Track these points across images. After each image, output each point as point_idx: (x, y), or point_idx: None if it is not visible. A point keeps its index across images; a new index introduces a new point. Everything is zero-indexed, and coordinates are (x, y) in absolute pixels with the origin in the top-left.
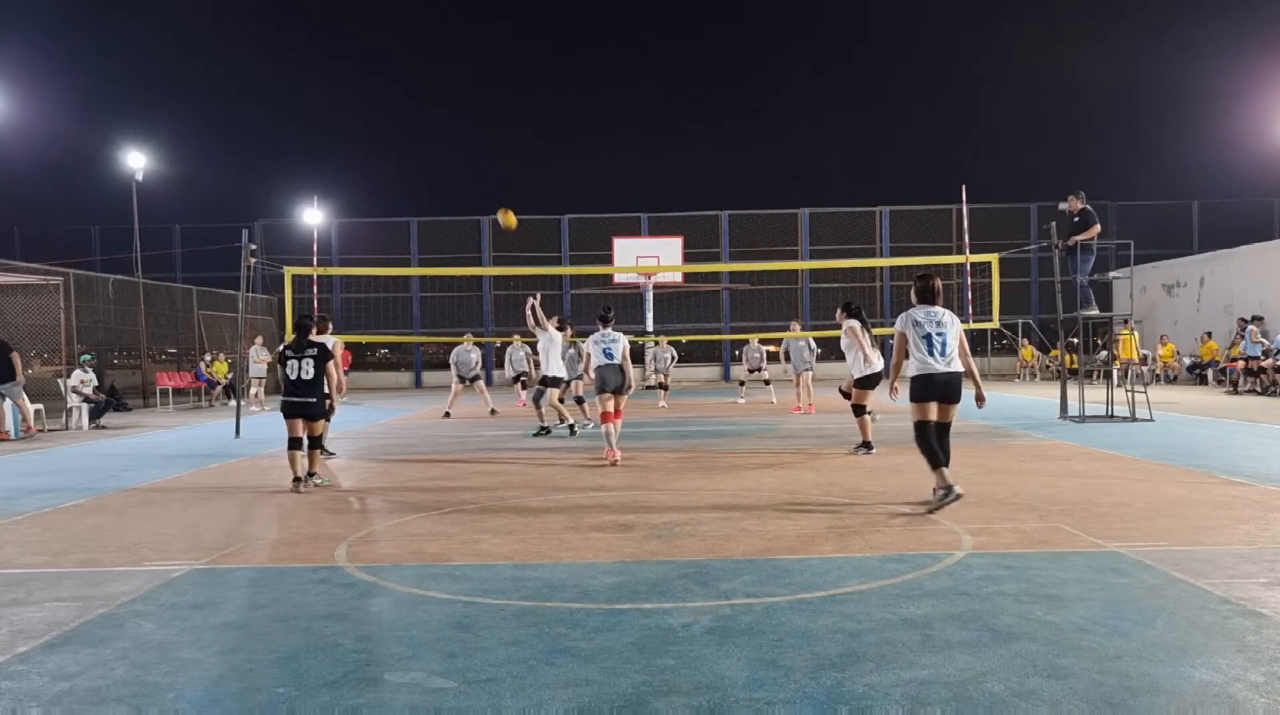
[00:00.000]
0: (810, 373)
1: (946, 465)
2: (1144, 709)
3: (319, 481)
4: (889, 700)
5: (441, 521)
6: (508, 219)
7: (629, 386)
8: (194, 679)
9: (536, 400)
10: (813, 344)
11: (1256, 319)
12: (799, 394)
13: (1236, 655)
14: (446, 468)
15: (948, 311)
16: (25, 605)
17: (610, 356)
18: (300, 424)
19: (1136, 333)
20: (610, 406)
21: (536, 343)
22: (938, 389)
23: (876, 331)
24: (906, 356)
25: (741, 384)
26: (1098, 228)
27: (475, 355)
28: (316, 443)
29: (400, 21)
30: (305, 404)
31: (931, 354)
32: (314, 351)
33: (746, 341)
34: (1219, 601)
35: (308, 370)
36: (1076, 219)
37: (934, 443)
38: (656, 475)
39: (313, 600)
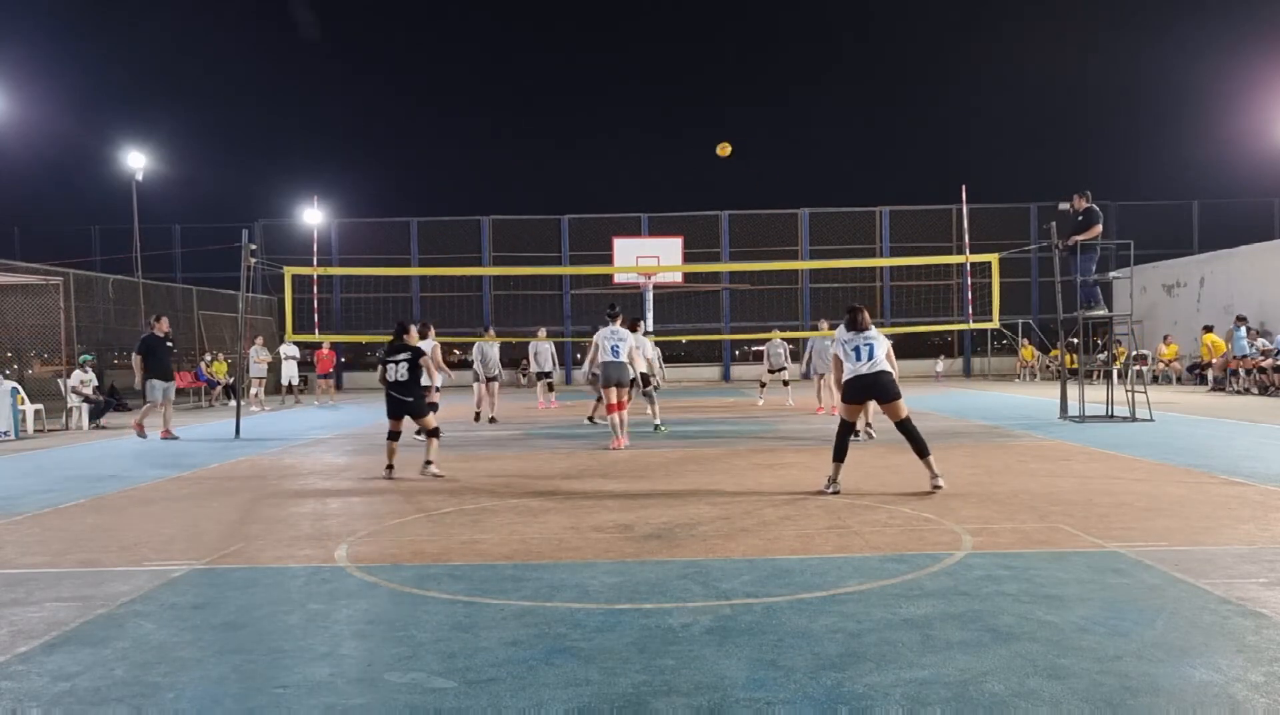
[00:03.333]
0: (830, 374)
1: (928, 456)
2: (1144, 709)
3: (437, 471)
4: (889, 700)
5: (441, 521)
6: (724, 150)
7: (633, 382)
8: (194, 679)
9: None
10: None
11: (1240, 319)
12: (821, 396)
13: (1236, 655)
14: (447, 467)
15: (878, 333)
16: (25, 605)
17: (616, 353)
18: (400, 422)
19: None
20: (614, 399)
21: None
22: (865, 388)
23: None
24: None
25: (763, 385)
26: (1099, 227)
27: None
28: (434, 433)
29: (400, 22)
30: (404, 403)
31: (859, 360)
32: (407, 355)
33: (769, 340)
34: (1219, 601)
35: (402, 372)
36: (1080, 218)
37: (846, 441)
38: (656, 475)
39: (313, 600)
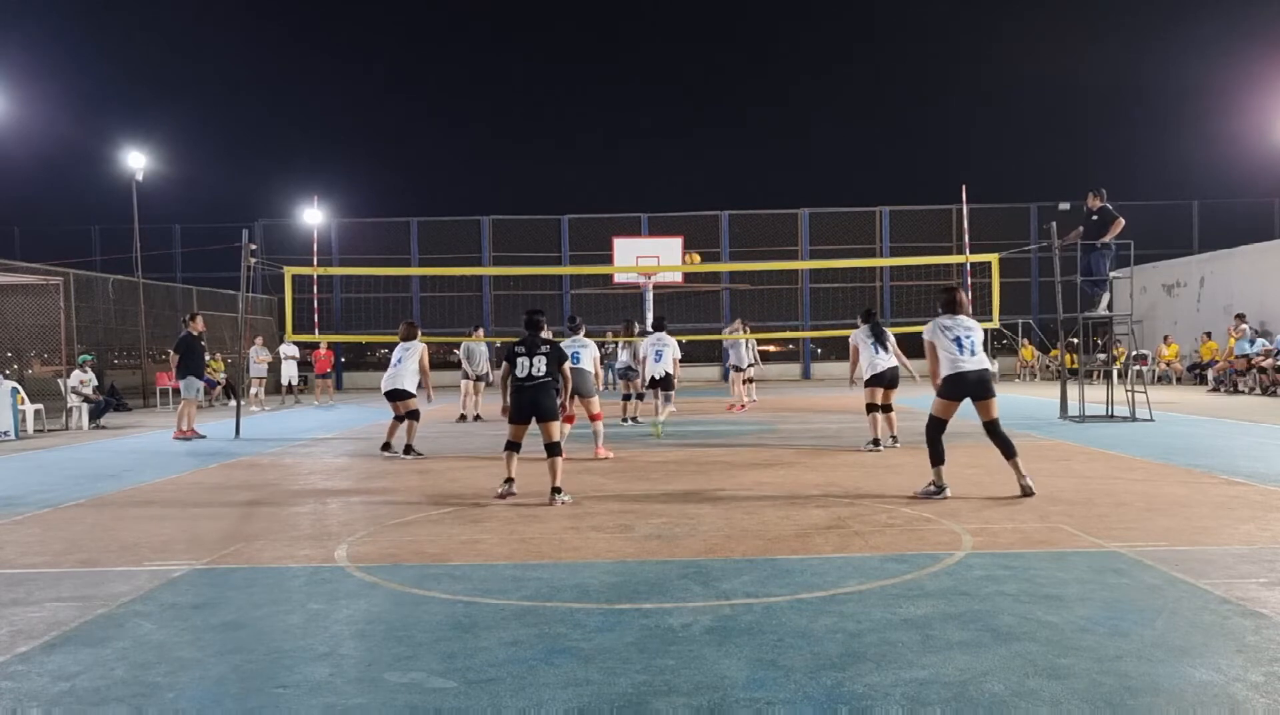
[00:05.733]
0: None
1: (1015, 456)
2: (1144, 709)
3: (565, 499)
4: (889, 700)
5: (441, 521)
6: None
7: (598, 390)
8: (194, 679)
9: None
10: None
11: (1239, 316)
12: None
13: (1236, 655)
14: (447, 467)
15: (973, 319)
16: (25, 605)
17: (577, 360)
18: (524, 429)
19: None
20: (581, 411)
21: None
22: (969, 386)
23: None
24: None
25: (748, 381)
26: (1122, 222)
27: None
28: (555, 450)
29: (400, 22)
30: (539, 401)
31: (962, 353)
32: (546, 349)
33: (738, 340)
34: (1219, 601)
35: (540, 367)
36: (1095, 217)
37: (941, 440)
38: (656, 475)
39: (312, 600)
